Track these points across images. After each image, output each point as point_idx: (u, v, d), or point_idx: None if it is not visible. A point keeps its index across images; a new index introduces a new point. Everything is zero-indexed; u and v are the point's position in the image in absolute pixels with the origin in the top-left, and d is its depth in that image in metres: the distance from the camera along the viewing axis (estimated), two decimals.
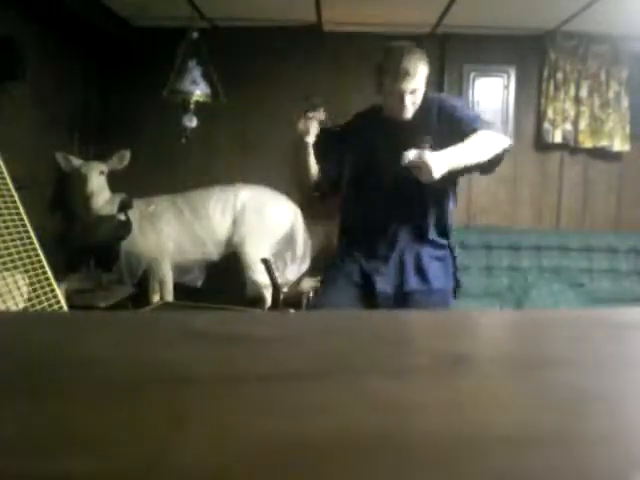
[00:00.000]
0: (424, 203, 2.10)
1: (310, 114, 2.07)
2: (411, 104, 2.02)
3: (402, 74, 1.96)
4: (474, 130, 1.94)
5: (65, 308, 2.41)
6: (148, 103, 3.85)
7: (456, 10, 3.50)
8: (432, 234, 2.13)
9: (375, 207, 2.12)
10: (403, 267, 2.11)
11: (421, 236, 2.12)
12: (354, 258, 2.15)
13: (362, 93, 3.45)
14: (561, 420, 0.30)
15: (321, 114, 2.08)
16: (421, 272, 2.12)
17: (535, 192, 4.15)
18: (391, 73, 1.98)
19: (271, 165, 3.98)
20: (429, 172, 1.80)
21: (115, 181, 3.68)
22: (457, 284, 2.20)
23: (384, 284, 2.11)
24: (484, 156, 1.92)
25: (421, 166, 1.81)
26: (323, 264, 2.34)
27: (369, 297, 2.13)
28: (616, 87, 4.00)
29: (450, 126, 2.00)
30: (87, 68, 4.00)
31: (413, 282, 2.11)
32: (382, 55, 2.06)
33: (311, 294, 2.91)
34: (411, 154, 1.84)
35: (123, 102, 4.06)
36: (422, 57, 2.02)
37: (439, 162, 1.82)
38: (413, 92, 2.00)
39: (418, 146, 1.91)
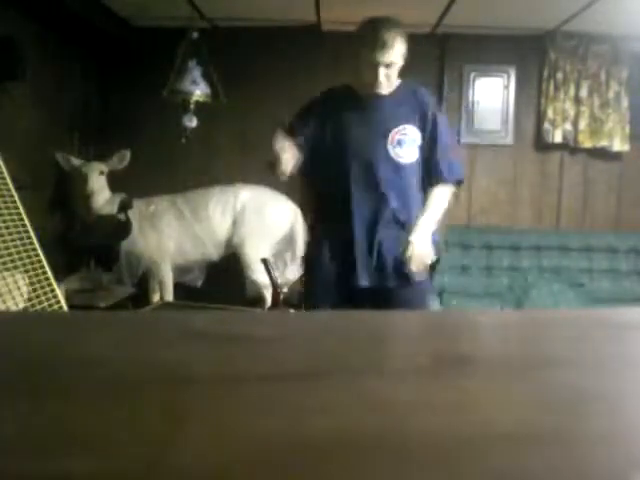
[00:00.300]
0: (397, 184, 2.08)
1: (291, 144, 2.00)
2: (386, 78, 2.01)
3: (380, 45, 1.96)
4: (442, 180, 2.12)
5: (65, 308, 2.41)
6: (148, 103, 3.85)
7: (456, 10, 3.50)
8: (406, 216, 2.10)
9: (348, 187, 2.06)
10: (382, 258, 2.08)
11: (397, 220, 2.09)
12: (331, 248, 2.10)
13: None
14: (561, 420, 0.30)
15: (298, 142, 2.01)
16: (400, 262, 2.09)
17: (535, 192, 4.15)
18: (369, 44, 1.98)
19: None
20: (423, 261, 2.04)
21: (115, 181, 3.68)
22: (433, 265, 2.19)
23: (363, 278, 2.07)
24: (443, 210, 2.16)
25: (416, 259, 2.01)
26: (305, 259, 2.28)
27: (350, 290, 2.09)
28: (616, 87, 4.00)
29: (428, 145, 2.09)
30: (87, 68, 4.00)
31: (393, 275, 2.08)
32: (361, 25, 2.06)
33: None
34: (407, 256, 2.01)
35: (123, 102, 4.06)
36: (401, 32, 2.03)
37: (427, 247, 2.05)
38: (389, 66, 2.00)
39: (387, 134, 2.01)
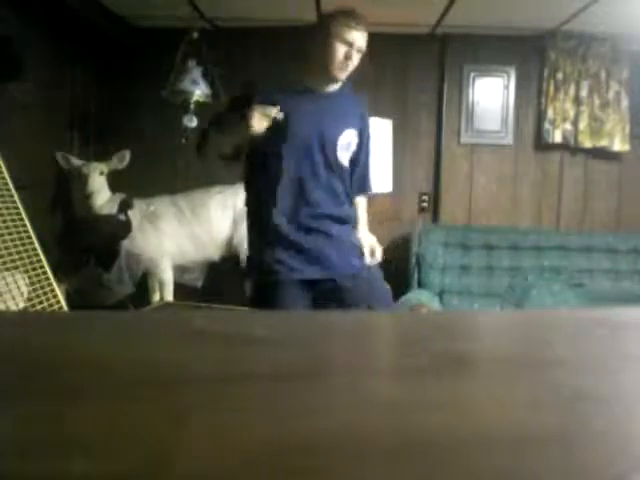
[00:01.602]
0: (336, 189, 2.11)
1: (266, 110, 1.97)
2: (353, 64, 2.02)
3: (355, 26, 1.98)
4: (369, 189, 2.30)
5: (65, 308, 2.41)
6: (148, 103, 3.85)
7: (456, 10, 3.50)
8: (350, 210, 2.20)
9: (297, 183, 2.05)
10: (333, 248, 2.10)
11: (342, 214, 2.15)
12: (283, 244, 2.07)
13: (362, 92, 3.45)
14: (561, 420, 0.30)
15: (276, 111, 1.97)
16: (349, 252, 2.14)
17: (535, 192, 4.15)
18: (344, 23, 1.99)
19: None
20: (379, 253, 2.24)
21: (115, 181, 3.68)
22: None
23: (318, 270, 2.08)
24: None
25: (375, 254, 2.21)
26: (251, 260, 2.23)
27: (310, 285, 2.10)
28: (616, 87, 4.00)
29: (361, 154, 2.19)
30: (87, 68, 4.00)
31: (348, 264, 2.12)
32: (330, 13, 2.06)
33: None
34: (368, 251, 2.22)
35: (123, 102, 4.06)
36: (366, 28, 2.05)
37: (376, 243, 2.25)
38: (359, 51, 2.01)
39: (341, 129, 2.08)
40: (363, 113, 2.19)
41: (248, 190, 2.22)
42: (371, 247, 2.21)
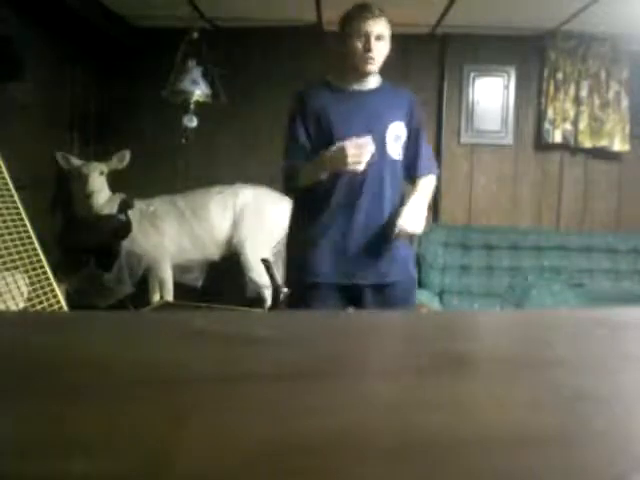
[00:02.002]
0: (387, 183, 2.08)
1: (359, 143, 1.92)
2: (377, 52, 2.02)
3: (368, 15, 2.01)
4: (428, 171, 2.18)
5: (65, 308, 2.41)
6: (148, 103, 3.85)
7: (456, 10, 3.50)
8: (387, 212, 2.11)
9: (348, 187, 2.03)
10: (378, 256, 2.08)
11: (393, 211, 2.08)
12: (330, 247, 2.07)
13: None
14: (561, 420, 0.30)
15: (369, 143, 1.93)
16: (395, 259, 2.10)
17: (535, 192, 4.15)
18: (357, 17, 2.02)
19: (271, 165, 3.98)
20: (410, 229, 2.00)
21: (115, 181, 3.68)
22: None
23: (362, 278, 2.08)
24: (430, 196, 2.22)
25: (403, 226, 1.99)
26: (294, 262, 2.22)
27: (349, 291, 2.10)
28: (616, 87, 4.00)
29: (412, 148, 2.14)
30: (87, 68, 4.00)
31: (393, 271, 2.10)
32: (346, 12, 2.10)
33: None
34: (397, 227, 1.99)
35: (123, 102, 4.06)
36: (384, 12, 2.07)
37: (418, 218, 2.03)
38: (379, 38, 2.02)
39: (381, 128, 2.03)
40: (409, 104, 2.14)
41: (298, 195, 2.20)
42: (401, 228, 1.99)
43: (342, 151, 1.86)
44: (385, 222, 2.07)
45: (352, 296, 2.11)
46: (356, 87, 2.10)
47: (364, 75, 2.07)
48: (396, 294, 2.11)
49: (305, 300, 2.09)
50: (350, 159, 1.85)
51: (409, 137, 2.13)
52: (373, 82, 2.11)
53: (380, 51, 2.04)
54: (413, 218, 2.01)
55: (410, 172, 2.17)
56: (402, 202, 2.11)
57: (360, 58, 2.02)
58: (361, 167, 1.89)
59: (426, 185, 2.18)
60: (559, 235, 3.98)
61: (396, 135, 2.09)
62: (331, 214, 2.07)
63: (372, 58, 2.01)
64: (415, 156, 2.16)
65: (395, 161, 2.10)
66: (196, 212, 3.68)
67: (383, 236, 2.06)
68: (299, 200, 2.20)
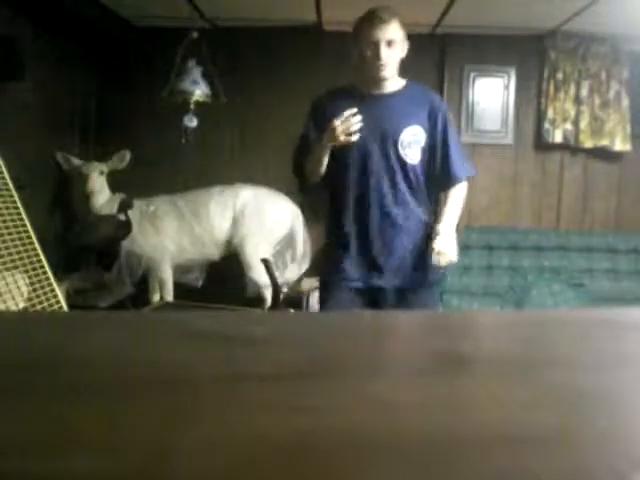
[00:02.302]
0: (405, 184, 2.09)
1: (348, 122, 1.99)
2: (388, 58, 2.03)
3: (378, 21, 2.01)
4: (458, 180, 2.14)
5: (65, 308, 2.41)
6: (148, 103, 3.85)
7: (456, 10, 3.50)
8: (422, 214, 2.12)
9: (362, 189, 2.08)
10: (398, 257, 2.10)
11: (410, 216, 2.10)
12: (349, 251, 2.11)
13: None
14: (561, 420, 0.30)
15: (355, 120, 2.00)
16: (419, 262, 2.10)
17: (535, 192, 4.15)
18: (367, 23, 2.02)
19: (271, 165, 3.98)
20: (449, 258, 2.00)
21: (115, 181, 3.68)
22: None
23: (383, 280, 2.10)
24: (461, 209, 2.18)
25: (442, 255, 1.99)
26: (320, 264, 2.33)
27: (370, 295, 2.13)
28: (616, 87, 4.00)
29: (440, 145, 2.11)
30: (87, 68, 4.00)
31: (412, 276, 2.11)
32: (358, 18, 2.10)
33: (311, 298, 2.85)
34: (434, 253, 1.99)
35: (123, 102, 4.06)
36: (397, 14, 2.07)
37: (453, 243, 2.03)
38: (390, 44, 2.02)
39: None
40: (431, 108, 2.11)
41: (328, 196, 2.25)
42: (439, 253, 1.99)
43: (332, 126, 1.98)
44: (413, 233, 2.10)
45: (374, 299, 2.13)
46: (374, 91, 2.10)
47: (378, 80, 2.08)
48: (418, 297, 2.12)
49: (326, 299, 2.17)
50: (339, 132, 1.97)
51: (433, 143, 2.10)
52: (392, 86, 2.11)
53: (392, 56, 2.04)
54: (447, 249, 2.01)
55: (439, 181, 2.16)
56: (435, 211, 2.14)
57: (372, 66, 2.03)
58: (353, 138, 1.99)
59: (455, 203, 2.14)
60: (559, 235, 3.98)
61: (413, 139, 2.08)
62: (349, 215, 2.11)
63: (383, 65, 2.02)
64: (442, 164, 2.13)
65: (413, 165, 2.09)
66: (196, 212, 3.68)
67: (407, 245, 2.10)
68: (328, 202, 2.25)
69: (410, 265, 2.11)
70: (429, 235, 2.07)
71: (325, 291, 2.21)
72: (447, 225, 2.05)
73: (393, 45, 2.02)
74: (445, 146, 2.12)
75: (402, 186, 2.08)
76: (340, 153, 2.07)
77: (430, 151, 2.11)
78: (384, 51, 2.00)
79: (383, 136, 2.05)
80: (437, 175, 2.14)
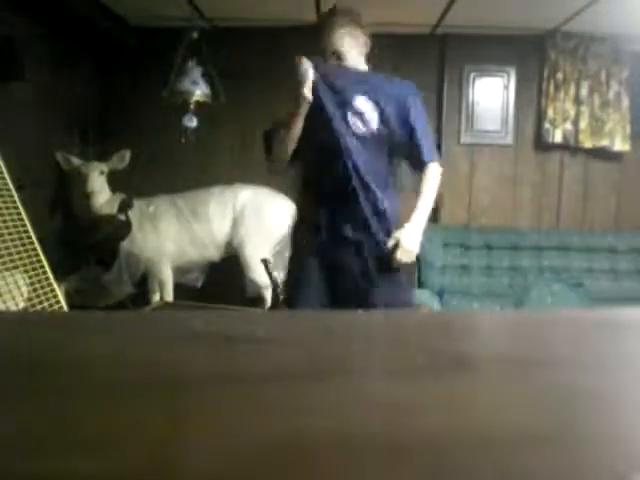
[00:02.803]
0: (358, 158, 2.05)
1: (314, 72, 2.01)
2: (342, 59, 2.05)
3: (323, 31, 2.06)
4: (426, 163, 2.11)
5: (65, 308, 2.41)
6: (148, 103, 3.85)
7: (456, 10, 3.50)
8: (385, 203, 2.07)
9: (328, 172, 2.05)
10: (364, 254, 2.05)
11: (375, 206, 2.06)
12: (316, 236, 2.08)
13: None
14: (561, 420, 0.30)
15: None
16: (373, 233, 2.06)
17: (535, 192, 4.15)
18: (317, 30, 2.09)
19: None
20: (409, 254, 2.01)
21: (115, 181, 3.68)
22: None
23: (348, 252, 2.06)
24: (434, 196, 2.14)
25: (400, 250, 1.98)
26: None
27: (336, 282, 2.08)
28: (616, 87, 4.00)
29: (406, 134, 2.08)
30: (87, 68, 4.00)
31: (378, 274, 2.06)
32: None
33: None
34: (390, 241, 1.99)
35: (123, 102, 4.06)
36: (348, 21, 2.06)
37: (415, 240, 2.01)
38: (335, 54, 2.05)
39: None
40: (401, 91, 2.11)
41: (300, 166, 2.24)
42: (401, 247, 2.00)
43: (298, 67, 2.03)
44: (371, 201, 2.05)
45: (338, 273, 2.08)
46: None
47: None
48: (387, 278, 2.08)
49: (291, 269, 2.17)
50: (300, 79, 2.01)
51: (404, 125, 2.08)
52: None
53: (345, 57, 2.05)
54: (409, 246, 2.01)
55: (410, 161, 2.15)
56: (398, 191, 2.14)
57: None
58: (307, 77, 2.01)
59: (430, 187, 2.12)
60: (559, 235, 3.98)
61: (360, 110, 2.05)
62: (310, 188, 2.13)
63: (339, 63, 2.05)
64: (411, 147, 2.11)
65: (363, 137, 2.06)
66: (196, 212, 3.68)
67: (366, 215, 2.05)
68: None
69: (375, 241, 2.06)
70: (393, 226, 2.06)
71: (293, 268, 2.19)
72: (414, 221, 2.05)
73: (342, 55, 2.04)
74: (415, 129, 2.10)
75: (360, 158, 2.05)
76: (308, 131, 2.07)
77: (399, 131, 2.09)
78: (332, 58, 2.05)
79: (337, 105, 2.05)
80: (409, 157, 2.14)
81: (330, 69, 2.08)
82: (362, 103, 2.06)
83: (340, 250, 2.06)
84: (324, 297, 2.05)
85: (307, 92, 2.00)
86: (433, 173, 2.14)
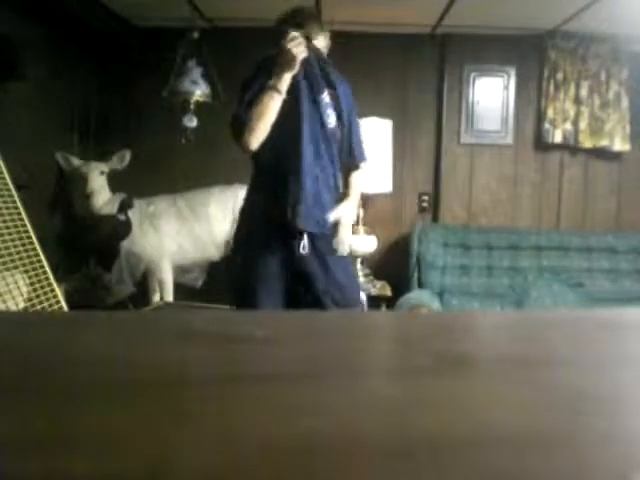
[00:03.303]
0: (328, 153, 2.17)
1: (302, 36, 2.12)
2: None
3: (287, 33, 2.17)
4: (358, 166, 2.30)
5: (65, 308, 2.41)
6: (148, 103, 3.85)
7: (456, 10, 3.50)
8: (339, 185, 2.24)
9: (286, 155, 2.14)
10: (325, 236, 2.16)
11: (334, 188, 2.19)
12: (269, 221, 2.15)
13: (362, 92, 3.45)
14: (561, 420, 0.30)
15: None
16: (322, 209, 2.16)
17: (535, 192, 4.15)
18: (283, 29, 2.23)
19: None
20: (347, 248, 2.21)
21: (115, 181, 3.68)
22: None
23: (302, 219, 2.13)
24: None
25: (344, 245, 2.16)
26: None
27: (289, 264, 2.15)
28: (616, 87, 4.00)
29: (346, 129, 2.24)
30: (87, 68, 4.00)
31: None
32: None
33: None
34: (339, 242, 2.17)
35: (123, 102, 4.06)
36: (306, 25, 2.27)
37: (349, 235, 2.22)
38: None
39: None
40: (346, 88, 2.27)
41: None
42: (343, 242, 2.18)
43: (284, 48, 2.17)
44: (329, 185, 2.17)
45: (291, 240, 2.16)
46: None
47: None
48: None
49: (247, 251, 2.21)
50: (292, 51, 2.12)
51: (344, 123, 2.22)
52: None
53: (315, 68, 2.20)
54: (348, 239, 2.21)
55: (346, 160, 2.26)
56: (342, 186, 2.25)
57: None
58: (301, 54, 2.12)
59: (352, 186, 2.28)
60: (559, 235, 3.97)
61: (328, 102, 2.19)
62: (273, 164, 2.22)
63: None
64: (348, 146, 2.25)
65: (329, 130, 2.18)
66: (196, 212, 3.68)
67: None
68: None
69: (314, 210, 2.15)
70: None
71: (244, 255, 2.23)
72: (349, 217, 2.22)
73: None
74: (353, 128, 2.28)
75: (326, 151, 2.17)
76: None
77: (346, 128, 2.23)
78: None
79: (312, 92, 2.16)
80: (344, 156, 2.25)
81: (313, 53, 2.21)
82: (328, 96, 2.20)
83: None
84: (279, 281, 2.14)
85: (298, 52, 2.10)
86: (364, 173, 2.35)
